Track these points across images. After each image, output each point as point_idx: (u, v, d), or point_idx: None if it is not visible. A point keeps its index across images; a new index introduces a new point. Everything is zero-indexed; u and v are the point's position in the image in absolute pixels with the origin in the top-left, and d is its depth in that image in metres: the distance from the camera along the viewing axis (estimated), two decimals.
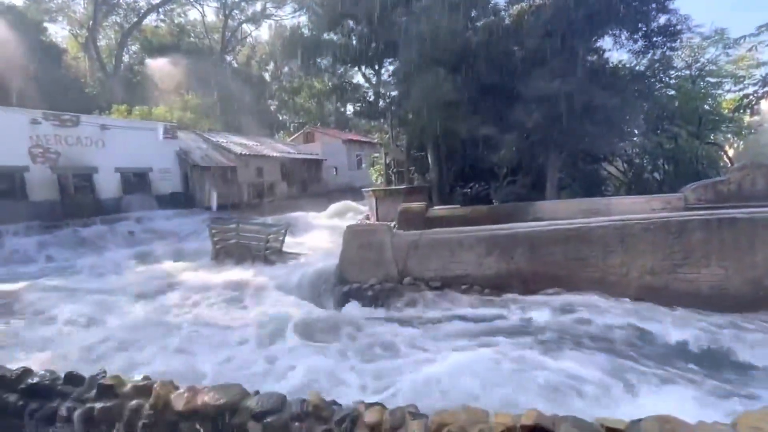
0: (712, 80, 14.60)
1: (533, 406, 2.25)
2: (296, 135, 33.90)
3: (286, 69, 43.54)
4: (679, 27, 9.24)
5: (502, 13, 9.19)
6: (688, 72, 14.06)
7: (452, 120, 9.74)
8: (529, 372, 3.95)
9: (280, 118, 35.39)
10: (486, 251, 6.42)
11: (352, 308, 6.03)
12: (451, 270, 6.54)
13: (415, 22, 9.29)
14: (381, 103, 15.79)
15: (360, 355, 4.61)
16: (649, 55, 11.21)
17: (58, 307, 6.57)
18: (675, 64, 13.74)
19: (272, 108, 34.03)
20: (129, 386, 2.82)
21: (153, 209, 18.42)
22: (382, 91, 14.00)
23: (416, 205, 11.21)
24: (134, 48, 43.44)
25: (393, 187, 13.38)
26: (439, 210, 11.43)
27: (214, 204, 19.99)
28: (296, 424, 2.37)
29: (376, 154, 17.96)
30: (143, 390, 2.76)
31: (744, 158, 17.60)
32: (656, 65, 12.31)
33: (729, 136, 15.87)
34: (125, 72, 36.76)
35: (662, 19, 8.99)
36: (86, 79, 32.51)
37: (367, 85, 15.19)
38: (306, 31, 15.31)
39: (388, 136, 17.43)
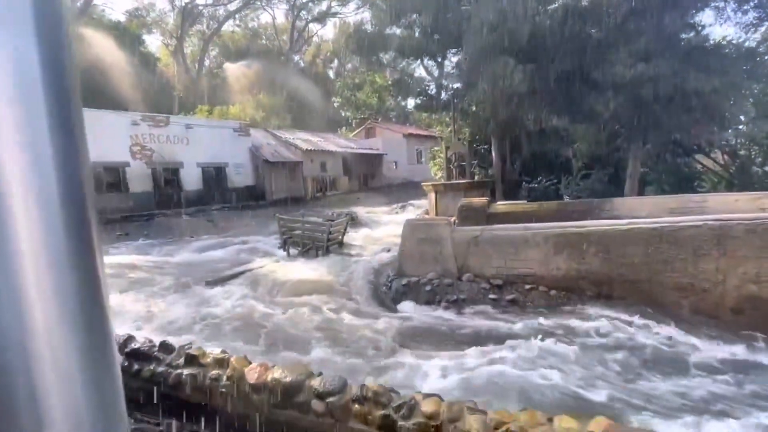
0: None
1: None
2: (358, 130, 34.67)
3: (349, 66, 44.71)
4: None
5: None
6: None
7: (521, 111, 9.23)
8: None
9: (343, 114, 36.43)
10: (554, 250, 6.04)
11: (407, 307, 6.03)
12: (515, 268, 6.27)
13: (481, 9, 8.92)
14: (443, 95, 15.53)
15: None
16: (763, 29, 9.63)
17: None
18: None
19: (335, 105, 35.13)
20: (210, 357, 3.13)
21: (229, 201, 20.12)
22: (445, 83, 13.72)
23: (478, 200, 10.90)
24: (214, 53, 47.53)
25: (453, 181, 13.12)
26: (502, 205, 10.99)
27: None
28: (356, 406, 2.46)
29: (437, 148, 17.74)
30: (222, 362, 3.05)
31: None
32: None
33: None
34: (207, 75, 40.37)
35: None
36: (175, 83, 36.28)
37: (428, 77, 15.01)
38: (369, 27, 15.54)
39: (449, 129, 17.13)
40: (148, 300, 6.70)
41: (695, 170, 14.50)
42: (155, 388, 3.14)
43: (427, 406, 2.30)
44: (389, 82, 17.11)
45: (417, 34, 13.43)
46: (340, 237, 9.99)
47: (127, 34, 31.28)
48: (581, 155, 10.64)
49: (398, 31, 14.49)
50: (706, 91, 7.42)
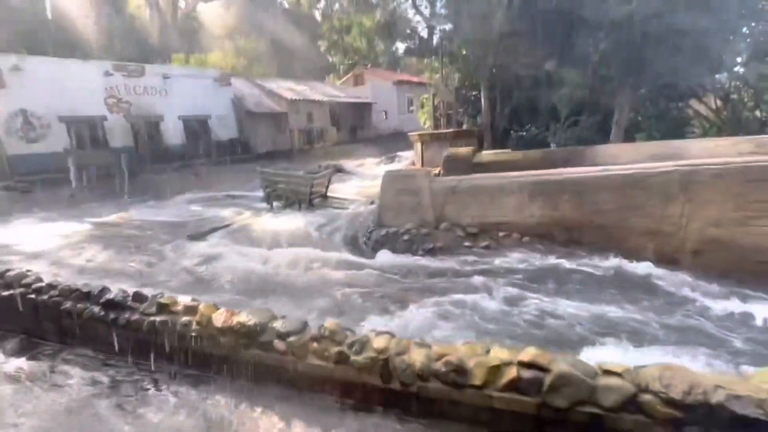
0: None
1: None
2: (346, 77, 33.23)
3: (336, 6, 41.72)
4: None
5: None
6: None
7: (506, 54, 8.87)
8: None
9: (330, 60, 34.70)
10: (529, 198, 6.14)
11: (384, 256, 6.20)
12: (490, 216, 6.40)
13: None
14: (434, 38, 14.75)
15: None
16: None
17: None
18: None
19: (321, 49, 33.31)
20: (181, 305, 3.28)
21: (214, 155, 19.72)
22: (434, 24, 12.98)
23: (463, 149, 10.77)
24: None
25: (439, 131, 12.90)
26: (487, 155, 10.91)
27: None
28: (314, 344, 2.64)
29: (425, 95, 17.19)
30: (191, 309, 3.21)
31: None
32: None
33: None
34: (182, 19, 37.61)
35: None
36: (149, 28, 33.88)
37: (418, 18, 14.17)
38: None
39: (438, 75, 16.50)
40: (132, 256, 6.82)
41: (687, 116, 14.30)
42: (131, 335, 3.32)
43: (377, 343, 2.48)
44: (379, 23, 16.17)
45: None
46: (324, 190, 10.00)
47: None
48: (567, 102, 10.40)
49: None
50: (698, 31, 7.14)
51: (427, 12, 13.25)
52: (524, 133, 14.60)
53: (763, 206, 4.95)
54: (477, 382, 2.15)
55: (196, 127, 19.86)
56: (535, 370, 2.09)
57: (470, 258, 5.80)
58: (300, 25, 40.94)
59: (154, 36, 37.72)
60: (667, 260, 5.52)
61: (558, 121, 13.70)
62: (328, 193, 10.17)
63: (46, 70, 15.08)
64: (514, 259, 5.63)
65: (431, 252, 6.27)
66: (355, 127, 27.30)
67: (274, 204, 9.47)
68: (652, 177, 5.46)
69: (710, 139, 8.86)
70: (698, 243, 5.34)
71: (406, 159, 17.35)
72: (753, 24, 8.66)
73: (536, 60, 9.28)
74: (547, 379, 2.05)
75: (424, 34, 13.31)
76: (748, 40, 8.79)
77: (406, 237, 6.57)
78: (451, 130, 12.60)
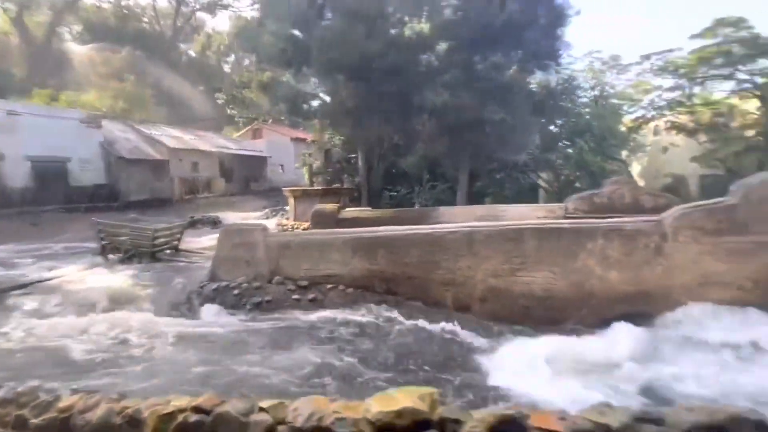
0: (616, 102, 16.02)
1: None
2: (244, 131, 33.19)
3: (247, 62, 42.51)
4: (560, 51, 10.12)
5: (406, 26, 9.61)
6: (593, 93, 15.31)
7: (355, 127, 10.04)
8: None
9: (228, 113, 34.53)
10: (351, 253, 6.72)
11: (209, 311, 6.08)
12: (320, 270, 6.79)
13: (322, 28, 9.51)
14: (314, 104, 15.90)
15: None
16: (552, 75, 12.12)
17: None
18: (582, 85, 14.91)
19: (219, 102, 33.08)
20: None
21: (72, 202, 17.43)
22: (309, 92, 14.12)
23: (329, 206, 11.46)
24: (77, 29, 40.79)
25: (309, 188, 13.52)
26: (351, 211, 11.75)
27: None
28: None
29: (309, 152, 18.08)
30: None
31: (647, 173, 19.37)
32: (562, 84, 13.31)
33: (628, 153, 17.40)
34: (58, 54, 34.34)
35: (545, 44, 9.77)
36: (10, 57, 30.10)
37: (293, 83, 15.26)
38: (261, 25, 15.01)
39: (320, 135, 17.59)
40: None
41: (532, 185, 17.37)
42: None
43: (65, 402, 2.44)
44: (261, 83, 16.94)
45: (279, 42, 13.57)
46: (176, 242, 9.52)
47: None
48: (412, 168, 11.98)
49: (265, 37, 14.44)
50: (497, 121, 9.10)
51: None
52: (395, 193, 16.09)
53: (521, 260, 6.21)
54: (148, 430, 2.25)
55: (49, 170, 17.54)
56: (201, 414, 2.29)
57: (286, 315, 5.96)
58: (205, 75, 40.44)
59: (18, 66, 33.56)
60: (462, 307, 6.44)
61: (421, 185, 15.52)
62: (181, 246, 9.70)
63: None
64: (322, 317, 5.87)
65: (259, 306, 6.32)
66: (249, 179, 26.89)
67: (110, 257, 8.65)
68: (447, 236, 6.49)
69: (520, 206, 10.90)
70: (483, 291, 6.37)
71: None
72: (542, 120, 11.40)
73: (387, 132, 10.64)
74: (208, 421, 2.25)
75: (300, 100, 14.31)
76: (543, 131, 11.47)
77: (236, 291, 6.55)
78: (320, 187, 13.30)
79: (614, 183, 10.09)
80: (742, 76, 11.34)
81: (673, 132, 13.56)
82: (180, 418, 2.30)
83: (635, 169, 20.34)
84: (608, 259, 6.02)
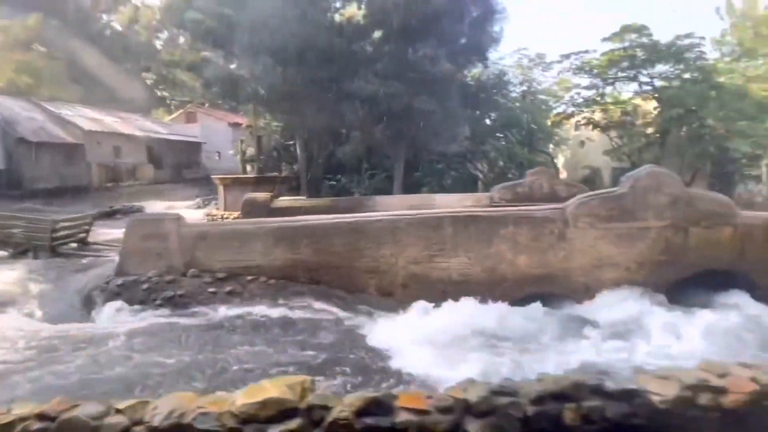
0: (544, 97, 17.07)
1: None
2: (177, 114, 30.80)
3: (182, 40, 39.12)
4: (489, 47, 10.53)
5: (338, 12, 9.40)
6: (522, 88, 16.16)
7: (288, 113, 9.71)
8: None
9: (159, 94, 31.78)
10: (274, 243, 6.53)
11: (107, 311, 5.59)
12: (240, 261, 6.53)
13: (253, 8, 8.99)
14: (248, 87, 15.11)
15: None
16: (482, 69, 12.57)
17: None
18: (512, 80, 15.66)
19: (148, 82, 30.30)
20: None
21: None
22: (241, 74, 13.37)
23: (261, 195, 11.06)
24: None
25: (240, 176, 12.95)
26: (284, 200, 11.44)
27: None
28: None
29: (243, 138, 17.24)
30: None
31: (569, 165, 20.98)
32: (493, 79, 13.88)
33: (554, 146, 18.72)
34: None
35: (474, 38, 10.10)
36: None
37: (224, 65, 14.39)
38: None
39: (256, 121, 16.83)
40: None
41: (471, 175, 17.93)
42: None
43: None
44: (187, 62, 15.75)
45: (207, 20, 12.64)
46: (84, 235, 8.65)
47: None
48: (351, 158, 11.92)
49: (191, 13, 13.36)
50: (427, 111, 9.28)
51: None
52: (335, 182, 15.92)
53: (440, 247, 6.44)
54: None
55: None
56: (46, 421, 2.09)
57: (199, 309, 5.67)
58: (130, 52, 36.70)
59: None
60: (386, 293, 6.57)
61: (360, 174, 15.50)
62: (92, 239, 8.84)
63: None
64: (236, 311, 5.66)
65: (170, 300, 5.95)
66: (182, 167, 25.10)
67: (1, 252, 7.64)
68: (370, 224, 6.54)
69: (449, 195, 11.30)
70: (404, 278, 6.53)
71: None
72: (476, 112, 11.88)
73: (320, 120, 10.43)
74: (52, 428, 2.06)
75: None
76: (473, 123, 11.94)
77: (145, 286, 6.10)
78: (252, 175, 12.78)
79: (534, 174, 10.80)
80: (643, 78, 12.59)
81: (589, 128, 14.76)
82: (20, 427, 2.09)
83: (560, 161, 21.98)
84: (518, 244, 6.44)
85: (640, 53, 11.93)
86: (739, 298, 6.10)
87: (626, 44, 12.24)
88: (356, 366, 4.24)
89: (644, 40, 11.99)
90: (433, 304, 6.08)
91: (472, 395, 2.28)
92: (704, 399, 2.22)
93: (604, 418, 2.16)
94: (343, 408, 2.18)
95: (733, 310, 5.74)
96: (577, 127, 17.52)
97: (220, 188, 12.57)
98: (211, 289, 6.19)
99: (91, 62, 32.30)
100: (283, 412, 2.13)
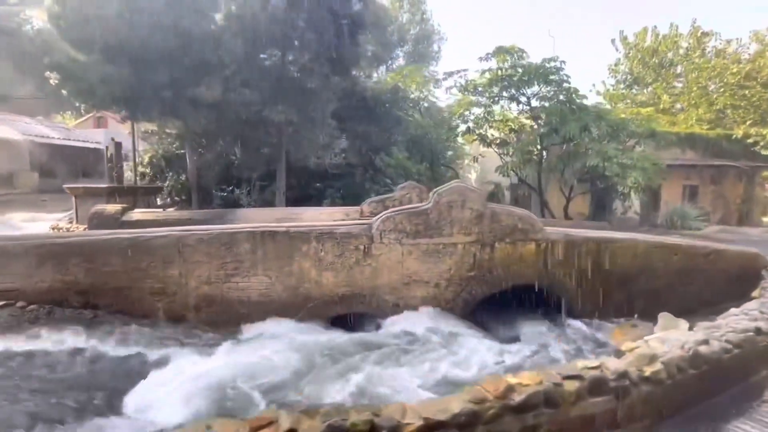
0: (447, 114, 17.36)
1: None
2: (85, 118, 28.37)
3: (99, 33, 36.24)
4: (359, 59, 10.38)
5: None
6: (422, 104, 16.32)
7: (133, 117, 8.87)
8: None
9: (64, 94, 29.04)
10: (38, 262, 5.67)
11: None
12: None
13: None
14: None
15: None
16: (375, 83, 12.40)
17: None
18: (409, 95, 15.76)
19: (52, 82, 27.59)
20: None
21: None
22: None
23: (111, 207, 10.07)
24: None
25: (93, 185, 11.79)
26: (137, 213, 10.42)
27: None
28: None
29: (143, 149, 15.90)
30: None
31: (479, 181, 21.47)
32: (386, 94, 13.81)
33: (467, 162, 19.08)
34: None
35: (341, 49, 9.87)
36: None
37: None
38: None
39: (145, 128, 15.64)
40: None
41: (364, 187, 17.61)
42: None
43: None
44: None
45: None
46: None
47: None
48: (247, 169, 11.18)
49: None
50: (284, 123, 8.85)
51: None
52: (226, 194, 15.03)
53: (235, 266, 5.90)
54: None
55: None
56: None
57: None
58: (24, 44, 33.39)
59: None
60: (176, 317, 5.89)
61: (251, 186, 14.77)
62: None
63: None
64: None
65: None
66: (78, 175, 22.88)
67: None
68: (155, 240, 5.86)
69: (318, 208, 10.90)
70: (197, 300, 5.90)
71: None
72: (364, 125, 11.67)
73: (165, 127, 9.63)
74: None
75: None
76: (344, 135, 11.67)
77: None
78: (104, 185, 11.68)
79: (404, 188, 10.69)
80: (522, 98, 13.09)
81: (483, 145, 15.13)
82: None
83: (473, 176, 22.53)
84: (323, 261, 6.05)
85: (515, 74, 12.38)
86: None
87: (506, 65, 12.68)
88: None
89: (522, 61, 12.48)
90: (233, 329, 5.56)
91: None
92: None
93: None
94: None
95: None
96: (479, 143, 17.99)
97: (73, 199, 11.33)
98: None
99: None
100: None
